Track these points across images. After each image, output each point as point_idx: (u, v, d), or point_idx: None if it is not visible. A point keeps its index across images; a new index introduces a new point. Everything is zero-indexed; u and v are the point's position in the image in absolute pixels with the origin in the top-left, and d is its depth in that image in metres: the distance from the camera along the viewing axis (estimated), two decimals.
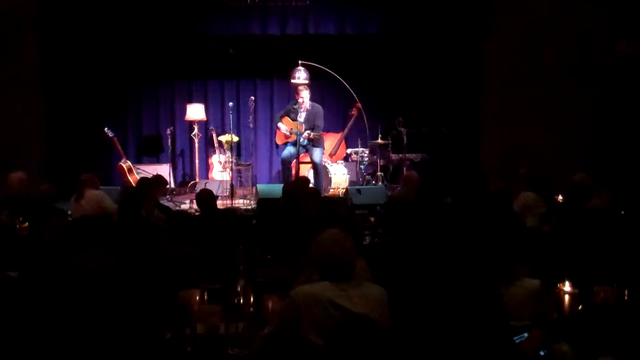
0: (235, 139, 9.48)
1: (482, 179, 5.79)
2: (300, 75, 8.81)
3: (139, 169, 9.24)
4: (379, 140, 8.97)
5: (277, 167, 9.82)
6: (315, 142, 8.61)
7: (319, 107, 8.75)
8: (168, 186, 8.53)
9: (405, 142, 8.87)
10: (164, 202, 7.55)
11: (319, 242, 3.06)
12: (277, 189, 7.08)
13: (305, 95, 8.64)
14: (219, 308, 3.22)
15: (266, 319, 3.18)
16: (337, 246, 3.01)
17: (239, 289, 3.53)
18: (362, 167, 9.11)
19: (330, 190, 8.65)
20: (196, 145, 9.83)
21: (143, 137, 10.26)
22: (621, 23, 8.64)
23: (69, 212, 5.95)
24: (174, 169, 9.99)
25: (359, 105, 9.10)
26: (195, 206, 8.11)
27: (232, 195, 8.41)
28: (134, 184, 8.35)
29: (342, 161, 9.31)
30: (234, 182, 8.71)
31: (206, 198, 5.75)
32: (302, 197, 5.57)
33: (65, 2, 8.84)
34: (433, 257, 3.91)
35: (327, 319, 2.88)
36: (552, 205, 5.93)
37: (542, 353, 2.90)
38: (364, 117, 9.12)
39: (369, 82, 9.82)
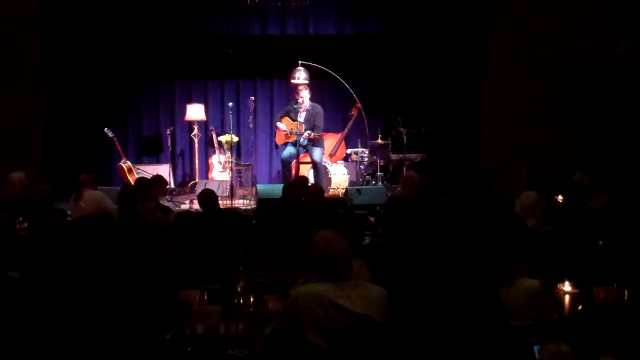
0: (235, 139, 9.49)
1: (485, 178, 5.74)
2: (300, 75, 8.80)
3: (138, 169, 9.24)
4: (379, 141, 8.97)
5: (277, 167, 9.82)
6: (315, 142, 8.61)
7: (319, 107, 8.75)
8: (168, 186, 8.53)
9: (405, 142, 8.86)
10: (164, 202, 7.55)
11: (312, 243, 3.07)
12: (277, 189, 7.08)
13: (305, 95, 8.64)
14: (219, 308, 3.21)
15: (266, 319, 3.17)
16: (331, 246, 3.02)
17: (239, 289, 3.52)
18: (362, 167, 9.10)
19: (330, 190, 8.64)
20: (196, 145, 9.84)
21: (143, 137, 10.27)
22: (621, 23, 8.65)
23: (69, 212, 5.95)
24: (174, 169, 9.99)
25: (359, 105, 9.09)
26: (195, 206, 8.13)
27: (232, 196, 8.41)
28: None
29: (342, 161, 9.31)
30: (234, 182, 8.71)
31: (208, 198, 5.81)
32: (305, 196, 5.58)
33: (66, 2, 8.85)
34: (433, 257, 3.92)
35: (327, 319, 2.88)
36: (552, 205, 5.92)
37: (536, 349, 2.89)
38: (364, 117, 9.12)
39: (368, 82, 9.82)
